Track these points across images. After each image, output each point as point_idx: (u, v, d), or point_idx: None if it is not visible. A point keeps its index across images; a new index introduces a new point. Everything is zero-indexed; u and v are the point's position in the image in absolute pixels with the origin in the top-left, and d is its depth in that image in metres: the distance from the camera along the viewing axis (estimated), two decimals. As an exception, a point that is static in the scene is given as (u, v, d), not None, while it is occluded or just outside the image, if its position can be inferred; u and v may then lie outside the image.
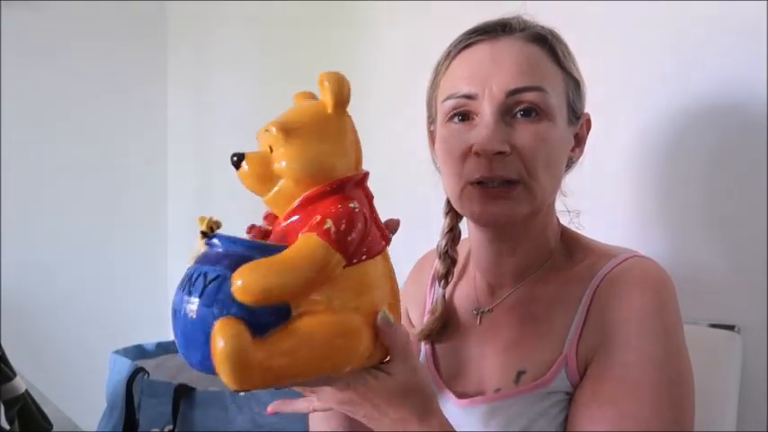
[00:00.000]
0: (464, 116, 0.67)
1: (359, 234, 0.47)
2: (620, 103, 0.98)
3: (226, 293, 0.45)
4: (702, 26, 0.90)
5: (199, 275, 0.47)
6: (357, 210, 0.47)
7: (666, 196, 0.94)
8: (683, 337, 0.63)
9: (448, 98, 0.68)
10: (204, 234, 0.49)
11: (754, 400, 0.84)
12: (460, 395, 0.69)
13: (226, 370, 0.43)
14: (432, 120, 0.75)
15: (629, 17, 0.97)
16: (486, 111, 0.64)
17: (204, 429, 1.22)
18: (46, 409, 1.02)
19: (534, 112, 0.65)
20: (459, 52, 0.69)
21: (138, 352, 1.49)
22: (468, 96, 0.66)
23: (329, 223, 0.46)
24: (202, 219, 0.49)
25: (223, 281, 0.45)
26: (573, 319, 0.65)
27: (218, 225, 0.50)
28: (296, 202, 0.49)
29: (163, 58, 2.19)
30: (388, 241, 0.53)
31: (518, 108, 0.65)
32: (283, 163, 0.49)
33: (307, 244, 0.45)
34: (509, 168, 0.63)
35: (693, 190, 0.91)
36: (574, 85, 0.69)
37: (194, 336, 0.46)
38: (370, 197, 0.53)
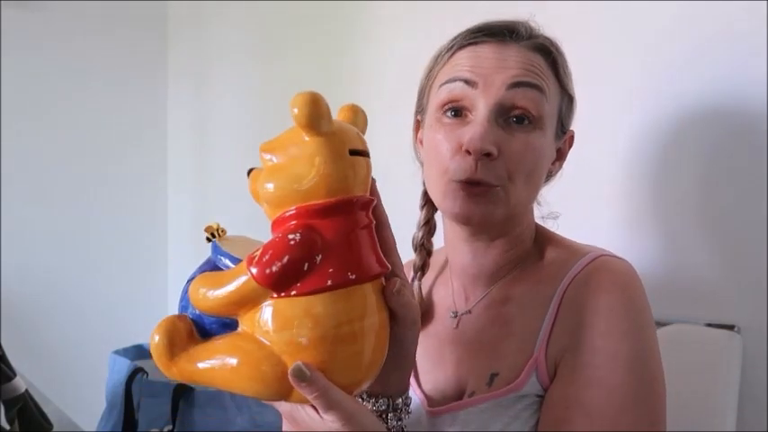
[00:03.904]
0: (457, 112, 0.66)
1: (283, 268, 0.45)
2: (618, 103, 0.98)
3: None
4: (699, 25, 0.90)
5: (191, 274, 0.51)
6: (294, 242, 0.45)
7: (666, 196, 0.94)
8: (652, 335, 0.62)
9: (447, 82, 0.66)
10: (207, 239, 0.53)
11: (754, 400, 0.84)
12: (440, 402, 0.68)
13: (154, 357, 0.49)
14: (421, 109, 0.74)
15: (624, 16, 0.97)
16: (481, 107, 0.64)
17: (203, 429, 1.22)
18: (46, 409, 1.02)
19: (527, 120, 0.64)
20: (462, 47, 0.68)
21: (138, 352, 1.49)
22: (468, 82, 0.65)
23: (257, 252, 0.46)
24: (209, 227, 0.53)
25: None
26: (543, 321, 0.64)
27: (221, 232, 0.53)
28: (273, 220, 0.49)
29: (163, 58, 2.19)
30: (344, 281, 0.46)
31: (513, 113, 0.64)
32: (262, 185, 0.48)
33: (238, 268, 0.47)
34: (492, 174, 0.63)
35: (693, 189, 0.91)
36: (567, 101, 0.70)
37: None
38: (350, 226, 0.47)
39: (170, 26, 2.20)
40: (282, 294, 0.46)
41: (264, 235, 0.50)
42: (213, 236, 0.53)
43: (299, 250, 0.45)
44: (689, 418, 0.81)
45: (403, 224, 0.81)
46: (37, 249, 1.97)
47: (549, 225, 0.76)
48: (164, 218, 2.22)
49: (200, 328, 0.50)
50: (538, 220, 0.75)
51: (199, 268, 0.52)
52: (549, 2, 1.03)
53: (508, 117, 0.65)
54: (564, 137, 0.72)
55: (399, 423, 0.56)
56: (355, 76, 1.48)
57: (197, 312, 0.50)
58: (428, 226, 0.78)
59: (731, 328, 0.86)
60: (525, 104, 0.64)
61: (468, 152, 0.63)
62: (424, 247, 0.77)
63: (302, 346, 0.46)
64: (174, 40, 2.19)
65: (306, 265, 0.45)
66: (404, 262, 0.86)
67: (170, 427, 1.22)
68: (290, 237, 0.45)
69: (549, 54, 0.67)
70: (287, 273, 0.45)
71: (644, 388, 0.59)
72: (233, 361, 0.47)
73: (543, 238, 0.73)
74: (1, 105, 1.88)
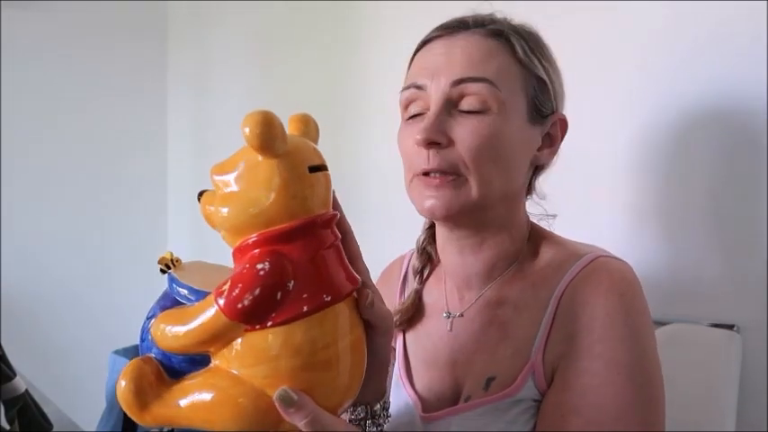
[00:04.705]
0: (417, 113, 0.68)
1: (255, 300, 0.43)
2: (618, 103, 0.98)
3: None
4: (703, 24, 0.90)
5: (152, 310, 0.49)
6: (264, 272, 0.43)
7: (666, 196, 0.94)
8: (651, 339, 0.62)
9: (403, 89, 0.69)
10: (162, 271, 0.50)
11: (754, 400, 0.84)
12: (435, 405, 0.68)
13: (123, 406, 0.46)
14: None
15: (623, 16, 0.97)
16: (432, 104, 0.65)
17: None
18: (46, 409, 1.01)
19: (478, 110, 0.64)
20: (419, 49, 0.70)
21: (138, 352, 1.48)
22: (419, 87, 0.67)
23: (226, 286, 0.43)
24: (163, 258, 0.51)
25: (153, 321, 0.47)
26: (540, 325, 0.64)
27: (176, 262, 0.51)
28: (235, 248, 0.47)
29: (163, 59, 2.19)
30: (319, 304, 0.45)
31: (462, 103, 0.65)
32: (217, 211, 0.46)
33: (204, 304, 0.44)
34: (446, 160, 0.64)
35: (693, 189, 0.91)
36: (537, 83, 0.68)
37: None
38: (316, 247, 0.46)
39: (170, 28, 2.20)
40: (257, 327, 0.44)
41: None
42: (168, 267, 0.50)
43: (270, 280, 0.43)
44: (689, 418, 0.81)
45: (406, 227, 0.82)
46: (37, 250, 1.97)
47: (545, 225, 0.76)
48: (164, 219, 2.22)
49: (169, 368, 0.47)
50: (534, 220, 0.75)
51: (157, 304, 0.49)
52: (548, 2, 1.03)
53: (460, 107, 0.65)
54: (546, 121, 0.69)
55: (378, 429, 0.56)
56: (357, 78, 1.48)
57: (163, 351, 0.47)
58: (432, 230, 0.78)
59: (731, 327, 0.86)
60: (472, 97, 0.64)
61: (420, 145, 0.65)
62: (425, 251, 0.78)
63: (283, 376, 0.44)
64: (174, 43, 2.19)
65: (279, 294, 0.43)
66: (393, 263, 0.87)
67: (170, 426, 1.22)
68: (259, 267, 0.43)
69: (502, 36, 0.67)
70: (260, 305, 0.43)
71: (642, 394, 0.58)
72: (211, 400, 0.45)
73: (538, 237, 0.72)
74: (1, 105, 1.88)
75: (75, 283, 2.03)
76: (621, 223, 0.98)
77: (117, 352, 1.52)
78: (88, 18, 2.02)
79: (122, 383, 0.46)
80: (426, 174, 0.65)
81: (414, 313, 0.76)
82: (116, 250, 2.10)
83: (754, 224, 0.85)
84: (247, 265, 0.44)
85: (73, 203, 2.03)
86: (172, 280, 0.49)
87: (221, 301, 0.43)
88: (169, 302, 0.48)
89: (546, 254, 0.69)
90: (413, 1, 1.32)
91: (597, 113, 0.99)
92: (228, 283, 0.43)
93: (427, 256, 0.78)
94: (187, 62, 2.14)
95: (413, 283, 0.78)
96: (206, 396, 0.45)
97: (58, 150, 2.00)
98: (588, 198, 1.00)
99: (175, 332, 0.45)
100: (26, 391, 0.96)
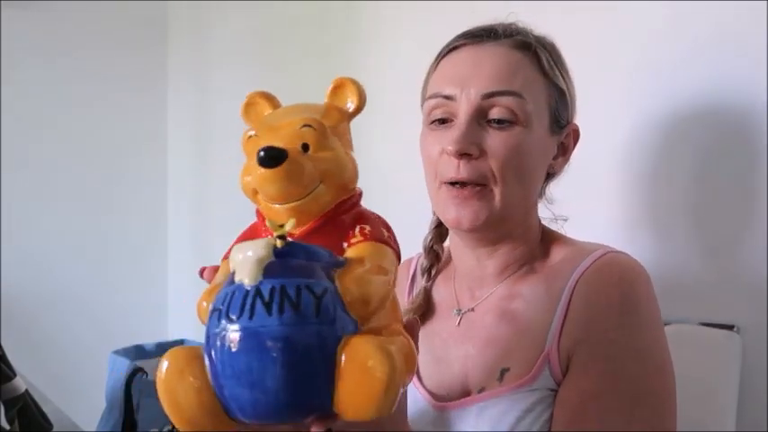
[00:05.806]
0: (443, 119, 0.69)
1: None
2: (618, 102, 0.98)
3: (341, 309, 0.39)
4: (703, 24, 0.90)
5: (298, 290, 0.38)
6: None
7: (666, 195, 0.94)
8: (661, 329, 0.64)
9: (430, 97, 0.70)
10: (282, 239, 0.40)
11: (753, 400, 0.84)
12: (445, 398, 0.69)
13: (389, 398, 0.37)
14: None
15: (627, 14, 0.97)
16: (461, 113, 0.66)
17: (204, 429, 1.22)
18: (46, 409, 1.02)
19: (508, 121, 0.66)
20: (445, 55, 0.71)
21: (138, 352, 1.49)
22: (448, 97, 0.67)
23: (385, 232, 0.45)
24: (275, 223, 0.41)
25: (335, 294, 0.39)
26: (553, 317, 0.65)
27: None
28: (329, 209, 0.45)
29: (163, 59, 2.19)
30: None
31: (492, 113, 0.66)
32: (330, 166, 0.44)
33: (384, 253, 0.44)
34: (476, 171, 0.65)
35: (692, 189, 0.91)
36: (558, 95, 0.69)
37: (312, 368, 0.38)
38: None
39: (170, 28, 2.20)
40: None
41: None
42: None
43: None
44: (689, 418, 0.81)
45: (406, 227, 0.81)
46: (37, 250, 1.97)
47: (554, 226, 0.77)
48: (164, 217, 2.22)
49: None
50: (546, 223, 0.76)
51: (313, 277, 0.39)
52: (546, 2, 1.03)
53: (489, 119, 0.66)
54: (563, 131, 0.71)
55: None
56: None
57: (355, 324, 0.40)
58: (439, 229, 0.79)
59: (730, 327, 0.86)
60: (502, 109, 0.66)
61: (450, 154, 0.66)
62: (433, 250, 0.80)
63: (398, 318, 0.48)
64: (174, 43, 2.19)
65: None
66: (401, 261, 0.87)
67: (169, 427, 1.22)
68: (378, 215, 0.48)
69: (529, 48, 0.68)
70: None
71: (655, 380, 0.61)
72: (408, 353, 0.42)
73: (549, 238, 0.74)
74: (1, 105, 1.88)
75: (75, 282, 2.03)
76: (619, 223, 0.98)
77: (117, 352, 1.52)
78: (88, 18, 2.02)
79: (382, 368, 0.37)
80: (453, 184, 0.66)
81: (424, 310, 0.77)
82: (116, 250, 2.10)
83: (754, 224, 0.85)
84: (375, 215, 0.48)
85: (73, 203, 2.03)
86: (302, 246, 0.41)
87: (393, 246, 0.45)
88: (324, 271, 0.40)
89: (557, 253, 0.71)
90: (413, 1, 1.32)
91: (596, 113, 0.98)
92: (383, 228, 0.46)
93: (434, 255, 0.80)
94: (187, 62, 2.14)
95: (421, 283, 0.79)
96: (405, 348, 0.41)
97: (57, 150, 2.00)
98: (585, 199, 1.00)
99: (382, 289, 0.41)
100: (26, 391, 0.96)
